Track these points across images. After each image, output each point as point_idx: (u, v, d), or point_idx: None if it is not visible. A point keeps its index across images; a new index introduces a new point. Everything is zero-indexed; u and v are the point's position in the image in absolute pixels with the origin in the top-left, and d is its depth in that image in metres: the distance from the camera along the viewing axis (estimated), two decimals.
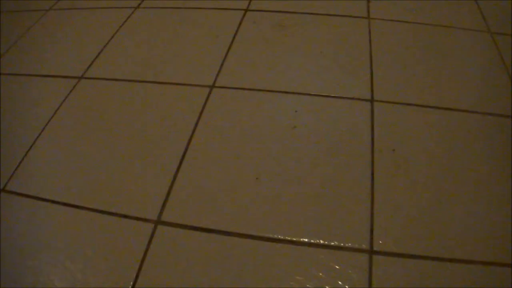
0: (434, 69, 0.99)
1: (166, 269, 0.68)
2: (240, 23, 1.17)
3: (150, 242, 0.72)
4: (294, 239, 0.70)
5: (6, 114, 0.98)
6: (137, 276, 0.67)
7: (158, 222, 0.74)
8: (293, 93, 0.95)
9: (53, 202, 0.79)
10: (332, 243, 0.69)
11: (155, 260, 0.69)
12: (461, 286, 0.64)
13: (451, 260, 0.66)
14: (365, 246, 0.69)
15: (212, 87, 0.98)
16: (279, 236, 0.71)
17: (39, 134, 0.92)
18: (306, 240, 0.70)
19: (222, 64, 1.04)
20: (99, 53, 1.12)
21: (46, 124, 0.94)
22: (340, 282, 0.65)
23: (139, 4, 1.30)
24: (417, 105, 0.90)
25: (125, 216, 0.75)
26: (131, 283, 0.67)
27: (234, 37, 1.12)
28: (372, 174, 0.78)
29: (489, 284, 0.64)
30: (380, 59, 1.02)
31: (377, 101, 0.92)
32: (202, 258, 0.69)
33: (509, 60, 1.00)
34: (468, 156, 0.81)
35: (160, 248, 0.71)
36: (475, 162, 0.80)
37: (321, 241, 0.70)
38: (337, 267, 0.66)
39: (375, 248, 0.68)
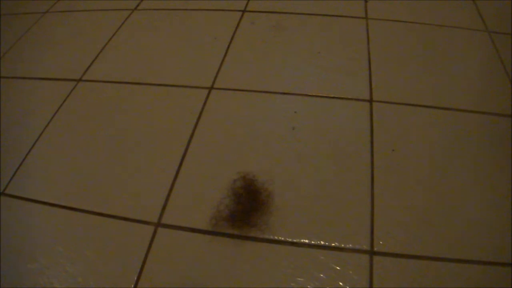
0: (432, 68, 0.99)
1: (167, 271, 0.68)
2: (238, 24, 1.17)
3: (150, 244, 0.72)
4: (295, 240, 0.70)
5: (5, 117, 0.98)
6: (138, 278, 0.67)
7: (159, 224, 0.74)
8: (292, 94, 0.96)
9: (53, 205, 0.79)
10: (333, 244, 0.69)
11: (156, 262, 0.69)
12: (461, 286, 0.64)
13: (451, 260, 0.67)
14: (365, 246, 0.69)
15: (210, 88, 0.98)
16: (280, 238, 0.71)
17: (38, 137, 0.92)
18: (306, 241, 0.70)
19: (220, 66, 1.04)
20: (97, 56, 1.12)
21: (45, 127, 0.94)
22: (341, 283, 0.65)
23: (137, 5, 1.30)
24: (416, 105, 0.90)
25: (126, 219, 0.75)
26: (133, 285, 0.67)
27: (232, 38, 1.12)
28: (372, 174, 0.79)
29: (489, 284, 0.64)
30: (378, 59, 1.02)
31: (376, 101, 0.92)
32: (202, 259, 0.69)
33: (507, 59, 1.00)
34: (468, 155, 0.81)
35: (161, 250, 0.71)
36: (475, 162, 0.80)
37: (322, 242, 0.70)
38: (338, 268, 0.66)
39: (375, 249, 0.68)
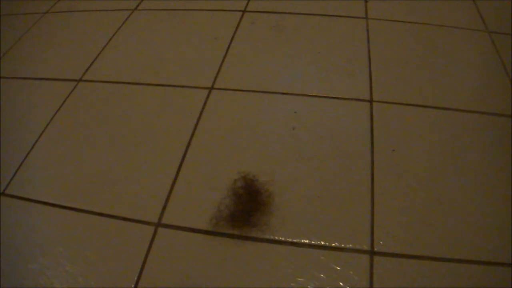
0: (432, 68, 0.99)
1: (167, 271, 0.68)
2: (238, 24, 1.17)
3: (151, 244, 0.72)
4: (295, 240, 0.70)
5: (5, 117, 0.98)
6: (138, 278, 0.68)
7: (159, 224, 0.74)
8: (292, 94, 0.96)
9: (53, 205, 0.79)
10: (333, 244, 0.69)
11: (156, 262, 0.69)
12: (461, 286, 0.64)
13: (451, 260, 0.67)
14: (366, 247, 0.69)
15: (211, 88, 0.98)
16: (280, 238, 0.71)
17: (39, 137, 0.92)
18: (307, 241, 0.70)
19: (220, 66, 1.04)
20: (97, 56, 1.12)
21: (45, 127, 0.94)
22: (341, 283, 0.65)
23: (137, 6, 1.30)
24: (416, 105, 0.90)
25: (126, 219, 0.76)
26: (133, 285, 0.67)
27: (232, 39, 1.12)
28: (372, 174, 0.79)
29: (489, 284, 0.64)
30: (378, 59, 1.02)
31: (376, 101, 0.92)
32: (203, 259, 0.69)
33: (507, 59, 1.01)
34: (468, 155, 0.81)
35: (161, 250, 0.71)
36: (475, 161, 0.80)
37: (322, 242, 0.70)
38: (338, 268, 0.67)
39: (376, 249, 0.68)
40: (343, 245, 0.69)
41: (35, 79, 1.08)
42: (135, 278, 0.68)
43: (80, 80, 1.05)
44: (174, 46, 1.12)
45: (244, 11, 1.22)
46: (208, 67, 1.04)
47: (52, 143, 0.91)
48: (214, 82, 1.00)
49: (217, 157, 0.84)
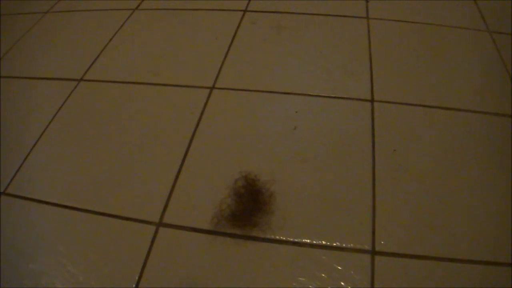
0: (433, 68, 0.99)
1: (168, 270, 0.68)
2: (239, 24, 1.17)
3: (152, 244, 0.72)
4: (296, 240, 0.70)
5: (6, 117, 0.98)
6: (139, 278, 0.68)
7: (160, 224, 0.74)
8: (293, 93, 0.96)
9: (55, 205, 0.79)
10: (334, 244, 0.69)
11: (157, 262, 0.69)
12: (461, 286, 0.64)
13: (452, 260, 0.67)
14: (367, 246, 0.69)
15: (212, 88, 0.98)
16: (281, 237, 0.71)
17: (40, 137, 0.92)
18: (308, 241, 0.70)
19: (221, 65, 1.04)
20: (98, 55, 1.12)
21: (46, 127, 0.94)
22: (342, 283, 0.65)
23: (138, 5, 1.30)
24: (417, 105, 0.90)
25: (127, 219, 0.76)
26: (134, 285, 0.67)
27: (233, 38, 1.12)
28: (374, 174, 0.79)
29: (489, 284, 0.64)
30: (379, 59, 1.02)
31: (377, 101, 0.92)
32: (204, 259, 0.69)
33: (508, 59, 1.01)
34: (469, 155, 0.81)
35: (163, 249, 0.71)
36: (476, 161, 0.80)
37: (323, 242, 0.70)
38: (339, 268, 0.67)
39: (377, 249, 0.69)
40: (344, 245, 0.69)
41: (36, 78, 1.08)
42: (136, 278, 0.68)
43: (81, 79, 1.05)
44: (175, 46, 1.12)
45: (245, 11, 1.22)
46: (209, 67, 1.04)
47: (53, 142, 0.91)
48: (215, 82, 1.00)
49: (218, 157, 0.84)
